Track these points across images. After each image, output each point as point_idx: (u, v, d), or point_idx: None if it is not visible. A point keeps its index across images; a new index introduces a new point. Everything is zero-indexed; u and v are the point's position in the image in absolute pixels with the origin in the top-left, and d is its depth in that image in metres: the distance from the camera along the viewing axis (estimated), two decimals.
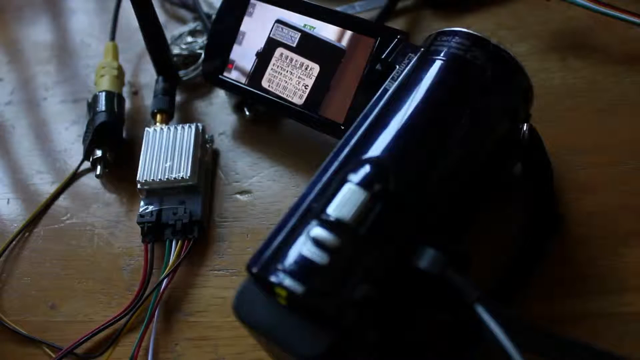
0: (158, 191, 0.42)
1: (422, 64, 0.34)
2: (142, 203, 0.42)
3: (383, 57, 0.37)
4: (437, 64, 0.33)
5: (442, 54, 0.33)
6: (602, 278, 0.35)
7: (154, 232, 0.41)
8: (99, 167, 0.44)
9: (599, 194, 0.38)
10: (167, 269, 0.39)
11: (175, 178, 0.41)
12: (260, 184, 0.43)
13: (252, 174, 0.44)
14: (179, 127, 0.43)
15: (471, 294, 0.26)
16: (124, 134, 0.47)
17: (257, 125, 0.46)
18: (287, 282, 0.26)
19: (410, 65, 0.35)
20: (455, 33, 0.34)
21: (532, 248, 0.36)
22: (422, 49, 0.35)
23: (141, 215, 0.41)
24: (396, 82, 0.34)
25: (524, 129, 0.34)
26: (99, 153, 0.44)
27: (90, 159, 0.45)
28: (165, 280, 0.39)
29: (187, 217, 0.40)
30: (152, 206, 0.41)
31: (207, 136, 0.45)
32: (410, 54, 0.35)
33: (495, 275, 0.34)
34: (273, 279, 0.27)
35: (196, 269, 0.41)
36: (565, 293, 0.35)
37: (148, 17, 0.43)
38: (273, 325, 0.27)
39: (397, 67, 0.35)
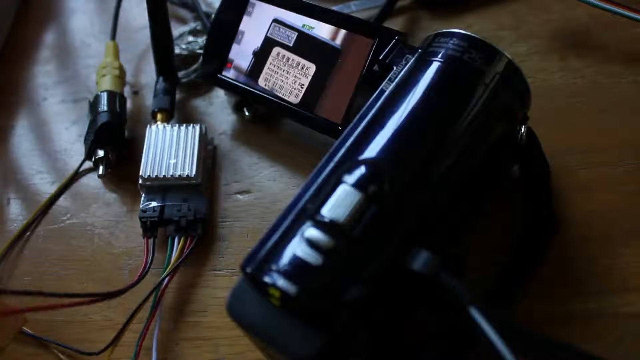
0: (159, 188, 0.42)
1: (419, 66, 0.34)
2: (143, 198, 0.42)
3: (380, 58, 0.37)
4: (435, 66, 0.33)
5: (439, 56, 0.33)
6: (602, 278, 0.35)
7: (155, 228, 0.41)
8: (101, 167, 0.44)
9: (599, 194, 0.38)
10: (169, 266, 0.39)
11: (180, 175, 0.41)
12: (260, 184, 0.43)
13: (252, 174, 0.44)
14: (183, 127, 0.43)
15: (465, 296, 0.26)
16: (125, 134, 0.47)
17: (257, 125, 0.46)
18: (281, 282, 0.26)
19: (407, 66, 0.34)
20: (453, 34, 0.34)
21: (531, 248, 0.36)
22: (420, 50, 0.35)
23: (143, 211, 0.41)
24: (393, 84, 0.34)
25: (522, 131, 0.34)
26: (101, 153, 0.44)
27: (93, 159, 0.45)
28: (167, 278, 0.39)
29: (191, 214, 0.40)
30: (154, 202, 0.41)
31: (208, 138, 0.45)
32: (407, 55, 0.35)
33: (495, 275, 0.35)
34: (267, 279, 0.27)
35: (196, 269, 0.41)
36: (565, 293, 0.35)
37: (160, 15, 0.43)
38: (266, 326, 0.27)
39: (395, 68, 0.35)
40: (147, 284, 0.38)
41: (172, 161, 0.42)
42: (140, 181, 0.41)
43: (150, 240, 0.40)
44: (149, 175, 0.41)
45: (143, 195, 0.42)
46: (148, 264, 0.39)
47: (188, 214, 0.40)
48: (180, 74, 0.48)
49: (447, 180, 0.30)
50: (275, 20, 0.42)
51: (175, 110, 0.47)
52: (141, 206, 0.41)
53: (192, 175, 0.41)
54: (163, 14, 0.44)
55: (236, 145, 0.45)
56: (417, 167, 0.30)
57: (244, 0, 0.43)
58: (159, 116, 0.46)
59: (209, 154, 0.44)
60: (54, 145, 0.49)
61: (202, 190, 0.42)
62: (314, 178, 0.30)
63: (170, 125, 0.44)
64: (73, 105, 0.51)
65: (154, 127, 0.44)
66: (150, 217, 0.40)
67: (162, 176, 0.41)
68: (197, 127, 0.43)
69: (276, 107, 0.41)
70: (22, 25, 0.57)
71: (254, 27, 0.43)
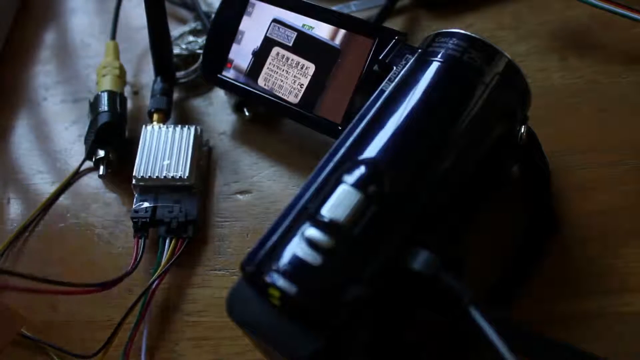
0: (153, 188, 0.42)
1: (419, 66, 0.34)
2: (136, 198, 0.42)
3: (380, 58, 0.37)
4: (434, 66, 0.33)
5: (439, 56, 0.33)
6: (602, 278, 0.35)
7: (147, 228, 0.41)
8: (101, 167, 0.44)
9: (599, 194, 0.38)
10: (159, 269, 0.39)
11: (173, 177, 0.41)
12: (260, 184, 0.43)
13: (252, 174, 0.44)
14: (178, 128, 0.43)
15: (465, 296, 0.26)
16: (126, 134, 0.47)
17: (257, 125, 0.46)
18: (281, 282, 0.26)
19: (407, 66, 0.34)
20: (453, 34, 0.34)
21: (530, 248, 0.36)
22: (420, 50, 0.35)
23: (135, 211, 0.41)
24: (393, 84, 0.34)
25: (522, 131, 0.34)
26: (101, 153, 0.44)
27: (93, 159, 0.45)
28: (156, 281, 0.39)
29: (182, 216, 0.40)
30: (147, 202, 0.41)
31: (203, 140, 0.45)
32: (407, 55, 0.35)
33: (495, 275, 0.35)
34: (266, 279, 0.27)
35: (196, 269, 0.41)
36: (565, 293, 0.35)
37: (158, 15, 0.43)
38: (265, 325, 0.27)
39: (395, 68, 0.35)
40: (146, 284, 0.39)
41: (166, 162, 0.42)
42: (133, 181, 0.42)
43: (141, 241, 0.40)
44: (142, 176, 0.41)
45: (136, 195, 0.42)
46: (136, 264, 0.39)
47: (179, 216, 0.40)
48: (180, 74, 0.48)
49: (447, 180, 0.30)
50: (275, 20, 0.42)
51: (175, 110, 0.47)
52: (134, 206, 0.41)
53: (185, 177, 0.41)
54: (161, 14, 0.44)
55: (236, 146, 0.45)
56: (417, 167, 0.30)
57: (243, 0, 0.43)
58: (155, 116, 0.45)
59: (203, 155, 0.44)
60: (54, 145, 0.49)
61: (195, 191, 0.42)
62: (313, 178, 0.30)
63: (165, 126, 0.44)
64: (73, 105, 0.51)
65: (149, 127, 0.44)
66: (142, 218, 0.41)
67: (155, 177, 0.41)
68: (192, 129, 0.43)
69: (276, 107, 0.41)
70: (22, 25, 0.57)
71: (254, 27, 0.43)
